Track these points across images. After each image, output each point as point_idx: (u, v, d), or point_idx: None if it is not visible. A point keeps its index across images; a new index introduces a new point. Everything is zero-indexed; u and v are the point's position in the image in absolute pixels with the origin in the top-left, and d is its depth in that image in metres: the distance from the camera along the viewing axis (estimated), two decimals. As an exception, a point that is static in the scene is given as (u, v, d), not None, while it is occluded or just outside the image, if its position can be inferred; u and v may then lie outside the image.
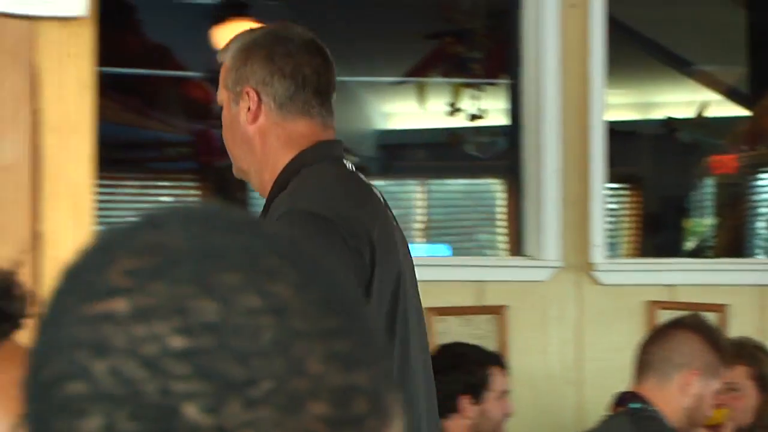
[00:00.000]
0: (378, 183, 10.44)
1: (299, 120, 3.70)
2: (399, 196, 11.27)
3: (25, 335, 2.04)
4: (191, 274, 1.20)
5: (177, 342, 1.17)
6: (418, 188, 11.26)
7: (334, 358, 1.21)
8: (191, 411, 1.16)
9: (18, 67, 3.58)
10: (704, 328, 6.45)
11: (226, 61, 3.77)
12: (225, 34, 9.06)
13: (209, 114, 9.75)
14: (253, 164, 3.89)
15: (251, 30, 4.00)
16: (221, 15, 9.54)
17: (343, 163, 3.84)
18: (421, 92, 10.21)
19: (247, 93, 3.69)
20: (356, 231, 3.51)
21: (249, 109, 3.70)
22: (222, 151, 9.90)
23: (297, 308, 1.21)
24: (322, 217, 3.51)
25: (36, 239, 3.59)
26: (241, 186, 10.17)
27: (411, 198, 11.29)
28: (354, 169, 3.95)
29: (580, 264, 7.77)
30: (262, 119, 3.70)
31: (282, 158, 3.73)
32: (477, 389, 6.67)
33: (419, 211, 11.21)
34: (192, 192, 10.59)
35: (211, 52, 9.15)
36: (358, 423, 1.22)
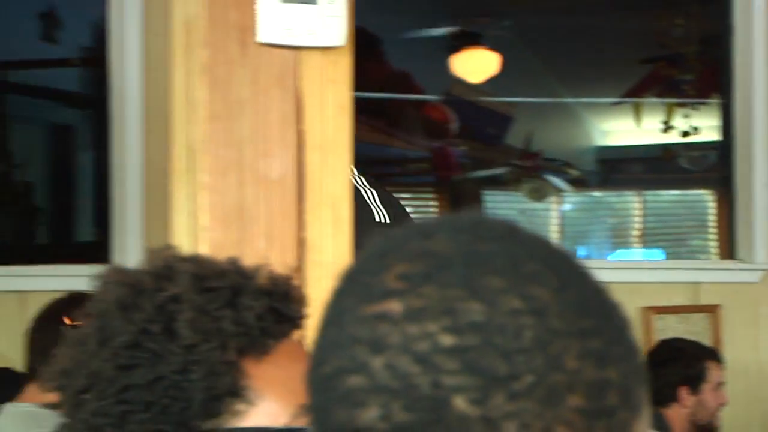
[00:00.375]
0: (597, 194, 11.14)
1: None
2: (617, 206, 11.12)
3: (300, 334, 2.09)
4: (459, 278, 1.20)
5: (447, 340, 1.18)
6: (635, 198, 11.02)
7: (589, 355, 1.21)
8: (460, 403, 1.17)
9: (284, 93, 3.52)
10: None
11: None
12: (460, 61, 9.76)
13: (446, 133, 9.80)
14: None
15: None
16: (456, 44, 9.59)
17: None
18: (638, 112, 10.08)
19: None
20: None
21: None
22: (457, 166, 10.14)
23: (555, 309, 1.21)
24: None
25: (300, 245, 3.48)
26: (475, 197, 10.37)
27: (628, 207, 11.10)
28: (361, 182, 4.00)
29: (788, 266, 7.74)
30: None
31: None
32: (695, 381, 6.68)
33: (636, 219, 10.96)
34: (430, 203, 10.48)
35: (448, 78, 9.83)
36: (610, 415, 1.22)
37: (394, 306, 1.21)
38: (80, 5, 8.61)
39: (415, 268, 1.23)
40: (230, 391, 1.93)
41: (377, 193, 4.14)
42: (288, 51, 3.41)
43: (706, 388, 6.51)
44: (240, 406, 1.93)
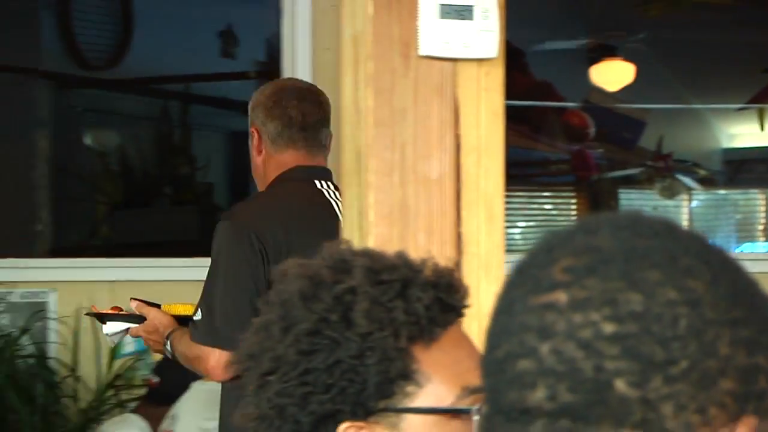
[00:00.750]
0: (723, 192, 10.57)
1: (285, 151, 4.17)
2: (742, 203, 11.00)
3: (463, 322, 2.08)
4: (620, 272, 1.20)
5: (608, 328, 1.17)
6: (759, 196, 10.79)
7: (740, 342, 1.19)
8: (621, 385, 1.16)
9: (443, 100, 3.47)
10: None
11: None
12: (598, 71, 9.65)
13: (585, 137, 9.76)
14: (260, 185, 4.34)
15: (266, 84, 4.57)
16: (594, 56, 9.55)
17: (314, 182, 4.23)
18: (761, 116, 9.93)
19: (253, 132, 4.20)
20: (264, 237, 3.97)
21: (255, 144, 4.20)
22: (595, 167, 10.10)
23: (708, 300, 1.19)
24: (238, 222, 4.07)
25: (458, 240, 3.42)
26: (612, 196, 10.32)
27: (753, 204, 10.94)
28: (325, 187, 4.25)
29: None
30: (263, 152, 4.17)
31: (271, 180, 4.21)
32: None
33: (761, 215, 10.75)
34: (570, 202, 10.53)
35: (586, 87, 9.78)
36: (761, 398, 1.20)
37: (560, 296, 1.20)
38: (255, 24, 8.82)
39: (579, 262, 1.22)
40: (402, 375, 1.93)
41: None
42: (446, 62, 3.39)
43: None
44: (410, 388, 1.94)
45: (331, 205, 4.35)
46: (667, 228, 1.28)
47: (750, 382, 1.21)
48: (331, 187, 4.19)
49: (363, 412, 1.95)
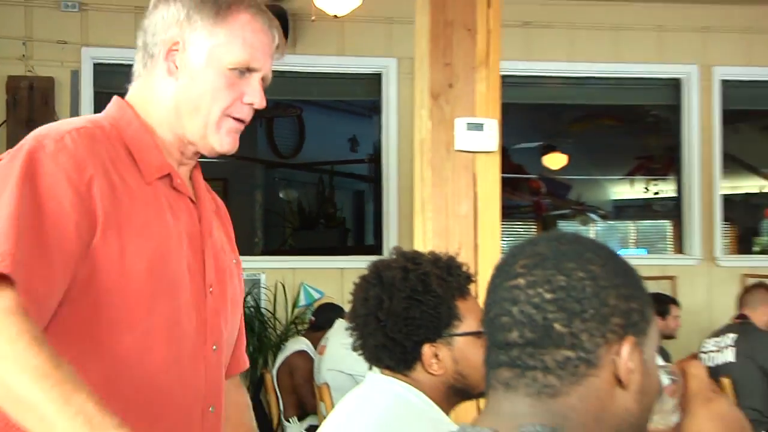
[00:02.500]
0: (612, 222, 9.24)
1: None
2: (621, 227, 9.84)
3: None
4: (552, 265, 1.14)
5: (548, 296, 1.12)
6: (630, 224, 9.79)
7: (621, 297, 1.14)
8: (558, 326, 1.12)
9: (468, 173, 3.47)
10: None
11: None
12: (546, 158, 8.92)
13: (539, 194, 9.17)
14: None
15: None
16: (544, 150, 8.96)
17: None
18: (632, 183, 9.24)
19: None
20: None
21: None
22: (544, 209, 8.78)
23: (602, 275, 1.14)
24: None
25: (476, 249, 3.43)
26: (554, 225, 9.27)
27: (628, 229, 9.78)
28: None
29: None
30: None
31: None
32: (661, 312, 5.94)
33: (632, 234, 9.70)
34: (530, 228, 9.37)
35: (540, 167, 8.95)
36: (635, 326, 1.14)
37: (520, 281, 1.15)
38: (368, 133, 8.03)
39: (530, 261, 1.16)
40: (454, 316, 1.94)
41: None
42: (470, 153, 3.44)
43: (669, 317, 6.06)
44: (456, 323, 1.95)
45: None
46: (577, 238, 1.20)
47: (629, 318, 1.15)
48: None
49: (436, 338, 1.93)
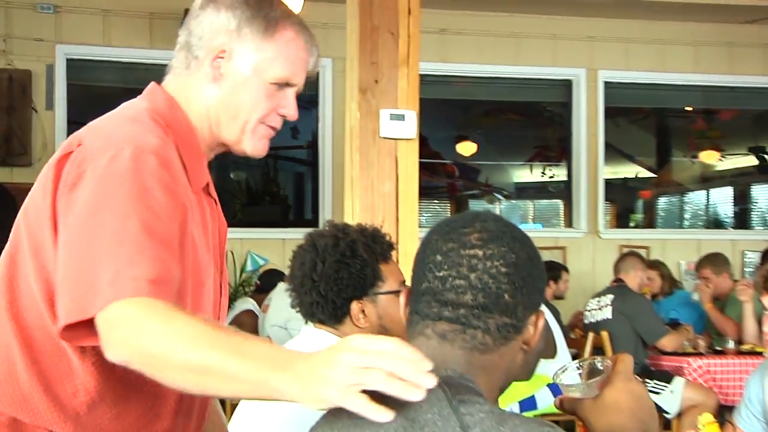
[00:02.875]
0: (514, 201, 9.16)
1: None
2: (522, 206, 9.58)
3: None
4: (506, 243, 1.11)
5: (503, 269, 1.10)
6: (529, 203, 9.56)
7: (543, 277, 1.14)
8: (506, 296, 1.09)
9: (391, 158, 3.38)
10: None
11: None
12: (459, 146, 8.67)
13: (453, 176, 8.99)
14: None
15: None
16: (458, 139, 8.69)
17: None
18: (531, 168, 9.01)
19: None
20: None
21: None
22: (457, 190, 8.71)
23: (536, 258, 1.14)
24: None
25: (397, 221, 3.33)
26: (465, 204, 9.01)
27: (527, 207, 9.55)
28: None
29: None
30: None
31: None
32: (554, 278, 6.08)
33: (530, 211, 9.50)
34: (445, 206, 9.20)
35: (454, 153, 8.72)
36: (542, 299, 1.14)
37: (479, 252, 1.11)
38: (307, 122, 7.42)
39: (484, 235, 1.12)
40: (377, 277, 1.88)
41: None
42: (392, 140, 3.38)
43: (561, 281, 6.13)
44: (380, 283, 1.88)
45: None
46: (509, 222, 1.17)
47: (542, 294, 1.14)
48: None
49: (362, 296, 1.87)
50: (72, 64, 6.58)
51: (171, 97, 1.49)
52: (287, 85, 1.50)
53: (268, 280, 5.97)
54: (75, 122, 6.51)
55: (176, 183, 1.33)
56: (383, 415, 0.96)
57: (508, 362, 1.13)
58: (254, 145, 1.50)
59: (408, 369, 0.97)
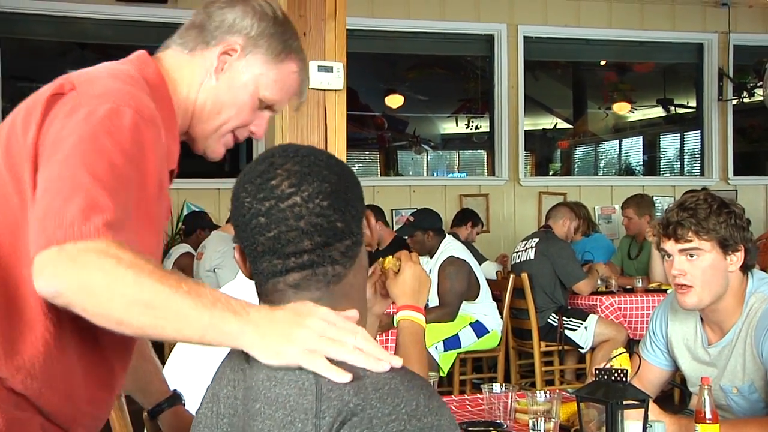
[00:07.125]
0: (440, 152, 9.12)
1: None
2: (448, 157, 9.56)
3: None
4: (315, 177, 1.08)
5: (325, 202, 1.07)
6: (455, 153, 9.50)
7: (352, 185, 1.12)
8: (339, 224, 1.08)
9: (320, 108, 3.32)
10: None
11: None
12: (388, 99, 8.47)
13: (382, 128, 8.88)
14: None
15: None
16: (387, 92, 8.51)
17: None
18: (456, 120, 9.00)
19: None
20: None
21: None
22: (387, 141, 8.53)
23: (341, 169, 1.11)
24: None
25: None
26: (394, 154, 9.01)
27: (453, 158, 9.52)
28: None
29: None
30: None
31: None
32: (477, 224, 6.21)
33: (456, 162, 9.48)
34: (375, 157, 9.11)
35: (384, 106, 8.51)
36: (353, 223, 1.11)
37: (297, 199, 1.07)
38: None
39: (292, 180, 1.08)
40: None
41: None
42: (321, 91, 3.30)
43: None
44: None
45: None
46: (302, 147, 1.13)
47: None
48: None
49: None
50: (4, 18, 6.34)
51: (161, 74, 1.43)
52: (269, 108, 1.49)
53: (191, 222, 6.06)
54: (11, 77, 6.27)
55: (164, 160, 1.29)
56: (342, 376, 0.96)
57: (362, 271, 1.12)
58: (215, 148, 1.49)
59: (371, 346, 0.99)
